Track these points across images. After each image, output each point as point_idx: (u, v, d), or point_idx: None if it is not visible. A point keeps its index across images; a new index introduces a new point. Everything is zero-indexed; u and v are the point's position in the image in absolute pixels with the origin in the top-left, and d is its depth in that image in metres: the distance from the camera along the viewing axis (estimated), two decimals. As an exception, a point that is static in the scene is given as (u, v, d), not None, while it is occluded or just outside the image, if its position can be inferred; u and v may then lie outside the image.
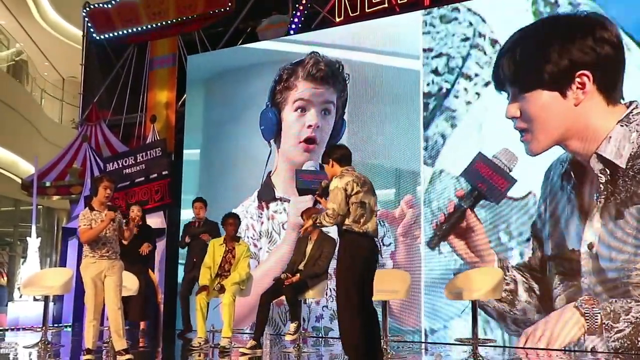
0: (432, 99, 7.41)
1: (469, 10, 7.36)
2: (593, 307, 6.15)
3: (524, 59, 6.86)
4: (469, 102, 7.20)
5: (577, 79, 6.44)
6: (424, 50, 7.53)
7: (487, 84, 7.11)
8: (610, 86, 6.37)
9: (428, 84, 7.45)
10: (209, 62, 9.67)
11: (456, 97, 7.28)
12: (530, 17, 7.00)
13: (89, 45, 11.52)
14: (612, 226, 6.23)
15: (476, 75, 7.21)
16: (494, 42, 7.16)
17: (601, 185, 6.27)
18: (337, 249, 4.42)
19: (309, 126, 8.05)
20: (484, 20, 7.25)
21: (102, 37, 11.11)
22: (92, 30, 11.25)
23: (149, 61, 10.66)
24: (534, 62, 6.75)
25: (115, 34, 10.94)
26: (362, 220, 4.27)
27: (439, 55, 7.44)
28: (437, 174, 7.25)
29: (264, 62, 8.76)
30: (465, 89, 7.24)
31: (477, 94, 7.18)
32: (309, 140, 8.03)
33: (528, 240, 6.71)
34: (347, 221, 4.26)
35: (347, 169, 4.45)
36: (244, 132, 8.74)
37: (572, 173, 6.54)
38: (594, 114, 6.40)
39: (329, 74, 8.09)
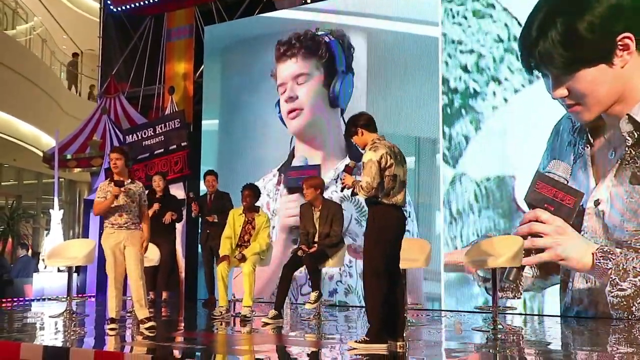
0: (457, 95, 7.29)
1: (505, 10, 7.13)
2: (607, 261, 6.14)
3: (558, 40, 6.62)
4: (495, 107, 7.08)
5: (619, 43, 6.32)
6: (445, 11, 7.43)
7: (516, 91, 6.97)
8: None
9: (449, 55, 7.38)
10: (226, 33, 9.62)
11: (483, 100, 7.16)
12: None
13: (107, 18, 11.52)
14: (626, 189, 6.19)
15: (506, 79, 7.07)
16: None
17: (626, 148, 6.19)
18: (367, 218, 4.40)
19: (286, 101, 8.48)
20: (520, 24, 6.99)
21: (119, 9, 11.08)
22: (109, 2, 11.22)
23: (166, 33, 10.63)
24: (570, 40, 6.54)
25: (132, 5, 10.91)
26: (392, 193, 4.27)
27: (471, 51, 7.28)
28: (458, 176, 7.19)
29: (281, 32, 8.70)
30: (494, 93, 7.11)
31: (505, 99, 7.05)
32: (291, 111, 8.46)
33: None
34: (378, 194, 4.24)
35: (378, 138, 4.38)
36: (262, 102, 8.75)
37: (586, 129, 6.49)
38: (637, 74, 6.28)
39: (297, 47, 8.44)
